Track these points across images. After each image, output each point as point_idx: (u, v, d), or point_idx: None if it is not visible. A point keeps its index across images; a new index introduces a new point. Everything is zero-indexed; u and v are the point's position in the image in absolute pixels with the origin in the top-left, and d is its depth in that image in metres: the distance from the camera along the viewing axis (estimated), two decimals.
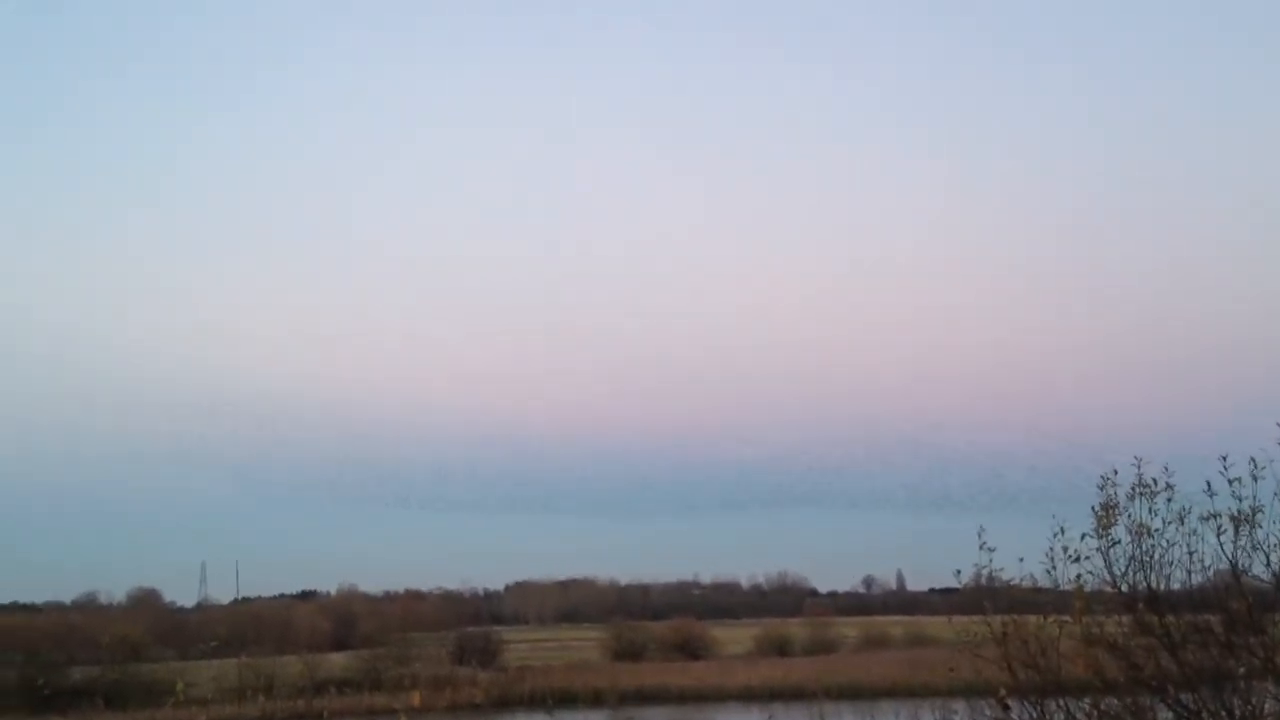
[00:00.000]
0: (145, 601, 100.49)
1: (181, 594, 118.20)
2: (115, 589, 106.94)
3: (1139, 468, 9.02)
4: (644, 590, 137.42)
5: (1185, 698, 8.60)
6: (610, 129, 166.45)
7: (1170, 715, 8.74)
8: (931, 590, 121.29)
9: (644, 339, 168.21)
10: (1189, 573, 8.94)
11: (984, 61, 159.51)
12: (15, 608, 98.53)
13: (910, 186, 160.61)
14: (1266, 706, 8.47)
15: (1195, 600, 9.08)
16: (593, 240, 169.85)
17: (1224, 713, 8.37)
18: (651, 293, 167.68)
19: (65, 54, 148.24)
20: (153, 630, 77.59)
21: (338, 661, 63.50)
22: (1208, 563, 8.88)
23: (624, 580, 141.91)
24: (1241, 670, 8.44)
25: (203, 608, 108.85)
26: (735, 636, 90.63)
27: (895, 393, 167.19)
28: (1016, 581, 9.71)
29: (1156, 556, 8.97)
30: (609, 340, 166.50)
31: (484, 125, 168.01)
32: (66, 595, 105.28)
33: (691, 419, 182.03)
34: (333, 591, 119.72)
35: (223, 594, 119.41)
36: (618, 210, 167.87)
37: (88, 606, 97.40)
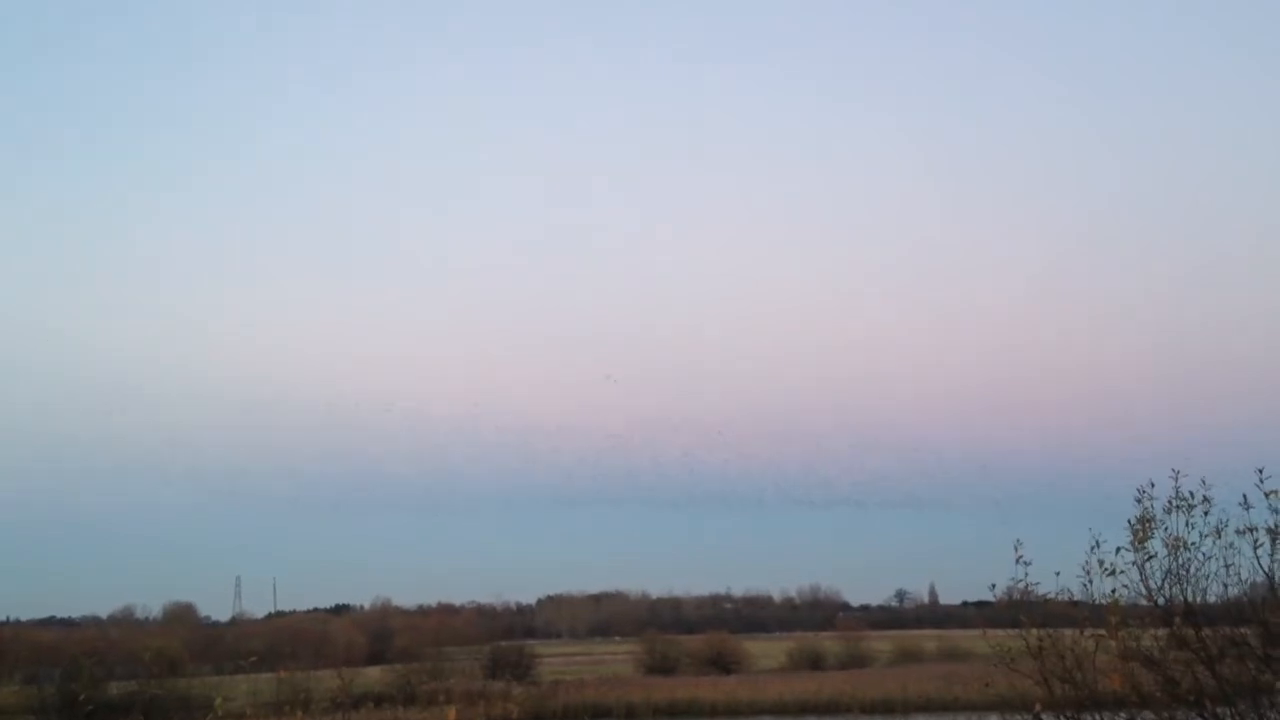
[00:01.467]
0: (181, 616, 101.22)
1: (216, 609, 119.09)
2: (151, 604, 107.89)
3: (1176, 481, 9.02)
4: (676, 603, 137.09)
5: (1222, 712, 8.56)
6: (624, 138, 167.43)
7: None
8: (964, 603, 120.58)
9: (674, 349, 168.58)
10: (1225, 586, 8.94)
11: (990, 71, 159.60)
12: (53, 622, 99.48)
13: (929, 194, 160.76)
14: None
15: (1232, 614, 9.05)
16: (622, 252, 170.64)
17: None
18: (674, 303, 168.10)
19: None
20: (189, 644, 78.13)
21: (373, 676, 63.73)
22: (1244, 576, 8.87)
23: (655, 594, 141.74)
24: (1279, 684, 8.41)
25: (237, 622, 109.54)
26: (767, 650, 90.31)
27: (925, 404, 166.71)
28: (1052, 595, 9.70)
29: (1193, 570, 8.95)
30: (641, 350, 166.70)
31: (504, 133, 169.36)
32: (103, 610, 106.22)
33: (720, 424, 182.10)
34: (367, 606, 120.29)
35: (257, 608, 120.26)
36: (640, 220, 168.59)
37: (124, 621, 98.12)
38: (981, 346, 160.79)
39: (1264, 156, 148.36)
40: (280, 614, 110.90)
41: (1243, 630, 8.88)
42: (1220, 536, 8.87)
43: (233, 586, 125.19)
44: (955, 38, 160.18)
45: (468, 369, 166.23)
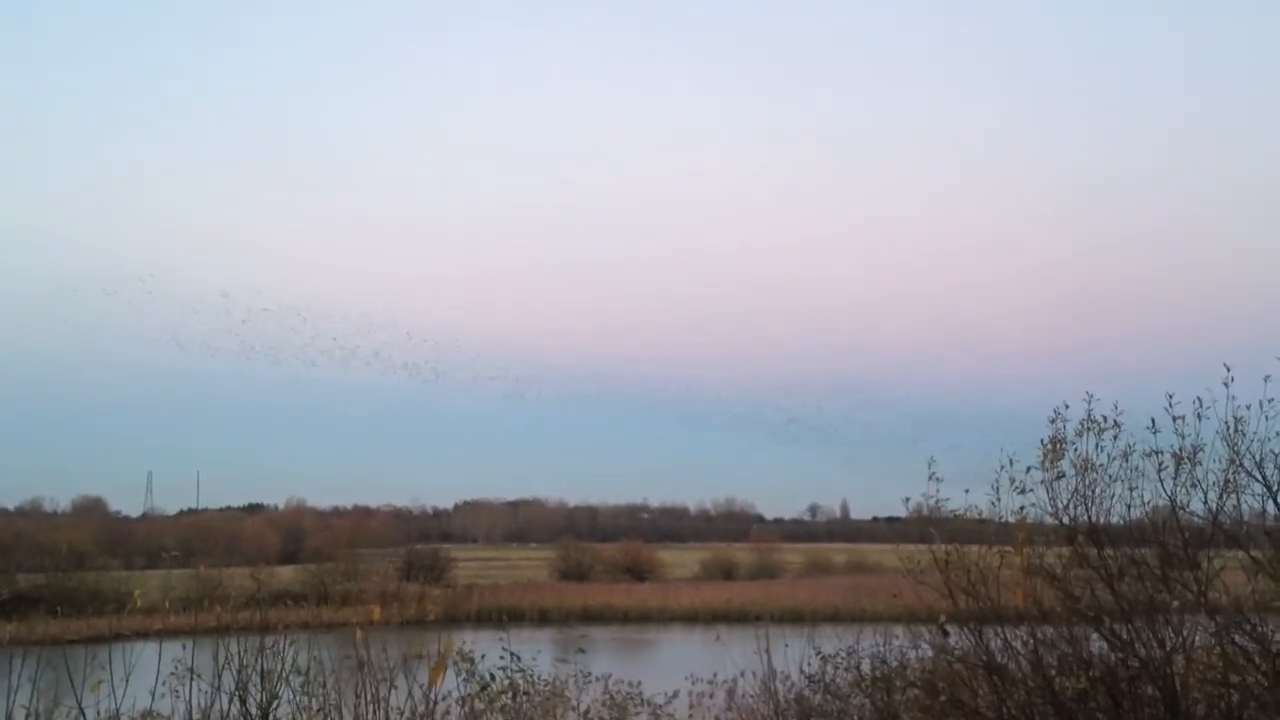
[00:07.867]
0: (91, 510, 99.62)
1: (127, 504, 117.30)
2: (60, 496, 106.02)
3: (1089, 404, 9.14)
4: (592, 512, 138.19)
5: (1119, 628, 8.78)
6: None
7: (1104, 645, 8.96)
8: (875, 519, 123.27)
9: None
10: (1129, 508, 9.10)
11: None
12: None
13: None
14: (1197, 638, 8.70)
15: (1134, 535, 9.22)
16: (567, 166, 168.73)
17: (1156, 643, 8.59)
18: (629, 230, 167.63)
19: None
20: (98, 539, 77.19)
21: (286, 575, 63.54)
22: (1147, 499, 9.03)
23: (573, 502, 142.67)
24: (1175, 603, 8.63)
25: (149, 518, 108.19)
26: (682, 560, 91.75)
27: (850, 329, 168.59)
28: (961, 512, 9.82)
29: (1099, 491, 9.10)
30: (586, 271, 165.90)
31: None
32: (10, 501, 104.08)
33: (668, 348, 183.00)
34: (281, 506, 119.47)
35: (169, 505, 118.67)
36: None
37: (32, 513, 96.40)
38: (898, 265, 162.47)
39: (1169, 68, 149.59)
40: (193, 511, 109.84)
41: (1143, 551, 9.07)
42: (1128, 460, 9.02)
43: (144, 482, 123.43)
44: None
45: (385, 274, 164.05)
